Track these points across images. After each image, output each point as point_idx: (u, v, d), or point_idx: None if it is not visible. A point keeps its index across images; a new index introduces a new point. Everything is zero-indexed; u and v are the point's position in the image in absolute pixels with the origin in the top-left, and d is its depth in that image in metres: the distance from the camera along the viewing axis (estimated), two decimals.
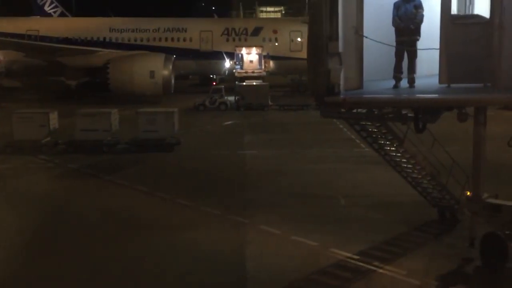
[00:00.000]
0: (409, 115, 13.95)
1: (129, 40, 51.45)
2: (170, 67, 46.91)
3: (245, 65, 49.43)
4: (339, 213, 19.09)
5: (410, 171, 16.55)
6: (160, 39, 51.58)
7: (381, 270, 14.37)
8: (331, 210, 19.36)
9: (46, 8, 62.99)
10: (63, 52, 48.05)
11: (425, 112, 12.73)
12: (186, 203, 19.96)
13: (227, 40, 51.61)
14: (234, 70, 49.56)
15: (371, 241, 16.29)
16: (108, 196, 21.15)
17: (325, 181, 22.95)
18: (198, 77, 58.57)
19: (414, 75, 12.83)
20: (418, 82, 12.88)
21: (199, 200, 20.10)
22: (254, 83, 45.89)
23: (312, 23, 11.75)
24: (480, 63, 12.10)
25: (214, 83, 50.79)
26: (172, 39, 51.65)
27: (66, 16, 63.00)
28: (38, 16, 58.19)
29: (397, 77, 12.87)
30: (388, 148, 15.82)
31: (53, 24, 53.79)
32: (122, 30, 51.86)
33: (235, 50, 49.69)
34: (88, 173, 24.48)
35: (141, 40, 51.40)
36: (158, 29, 51.82)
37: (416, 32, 12.92)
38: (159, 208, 19.77)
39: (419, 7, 12.73)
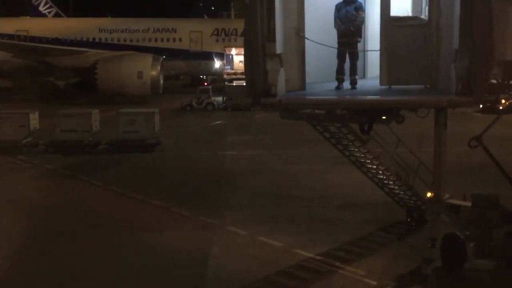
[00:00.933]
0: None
1: (118, 41, 51.53)
2: (158, 67, 46.96)
3: (235, 66, 49.32)
4: (310, 213, 19.05)
5: (375, 171, 16.57)
6: (149, 40, 51.65)
7: (340, 271, 14.36)
8: (302, 210, 19.32)
9: (41, 8, 63.13)
10: (52, 52, 48.11)
11: (363, 113, 12.75)
12: (158, 204, 19.94)
13: (217, 40, 51.67)
14: (223, 71, 49.59)
15: (337, 241, 16.24)
16: (81, 197, 21.17)
17: (300, 181, 22.94)
18: (189, 77, 58.63)
19: (356, 77, 12.82)
20: (361, 84, 12.89)
21: (171, 201, 20.09)
22: (244, 84, 45.77)
23: (247, 24, 11.75)
24: (420, 64, 12.11)
25: (206, 84, 50.88)
26: (162, 40, 51.75)
27: (61, 16, 63.05)
28: (28, 17, 58.21)
29: (339, 78, 12.87)
30: (352, 149, 15.83)
31: (43, 25, 53.85)
32: (112, 31, 51.94)
33: (225, 51, 49.69)
34: (65, 173, 24.48)
35: (131, 41, 51.47)
36: (148, 29, 51.87)
37: (357, 34, 12.88)
38: (129, 208, 19.75)
39: (359, 9, 12.70)
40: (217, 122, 37.87)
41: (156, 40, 51.63)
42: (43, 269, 14.76)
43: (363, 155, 15.86)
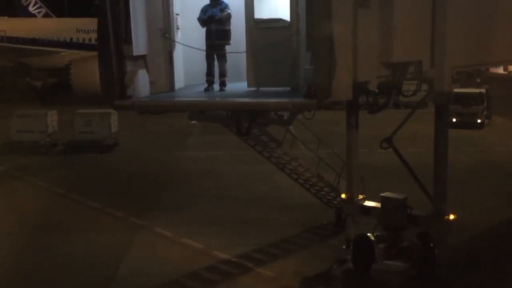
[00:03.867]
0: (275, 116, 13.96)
1: (96, 41, 51.26)
2: None
3: None
4: (243, 215, 18.99)
5: (299, 173, 16.55)
6: None
7: (251, 273, 14.42)
8: (236, 212, 19.29)
9: (31, 8, 62.80)
10: (27, 52, 48.09)
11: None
12: (95, 205, 19.98)
13: None
14: None
15: (259, 243, 16.27)
16: (21, 198, 21.23)
17: (247, 182, 22.94)
18: None
19: (225, 78, 12.76)
20: (235, 86, 12.84)
21: (109, 202, 20.07)
22: None
23: (99, 25, 11.77)
24: (284, 66, 12.07)
25: None
26: None
27: (51, 16, 62.81)
28: (6, 17, 58.13)
29: (208, 80, 12.82)
30: (270, 150, 15.81)
31: (20, 25, 53.65)
32: (89, 31, 51.73)
33: None
34: (13, 174, 24.49)
35: None
36: None
37: (223, 35, 12.65)
38: (65, 210, 19.81)
39: (224, 11, 12.65)
40: (184, 123, 37.64)
41: None
42: None
43: (281, 157, 15.86)
